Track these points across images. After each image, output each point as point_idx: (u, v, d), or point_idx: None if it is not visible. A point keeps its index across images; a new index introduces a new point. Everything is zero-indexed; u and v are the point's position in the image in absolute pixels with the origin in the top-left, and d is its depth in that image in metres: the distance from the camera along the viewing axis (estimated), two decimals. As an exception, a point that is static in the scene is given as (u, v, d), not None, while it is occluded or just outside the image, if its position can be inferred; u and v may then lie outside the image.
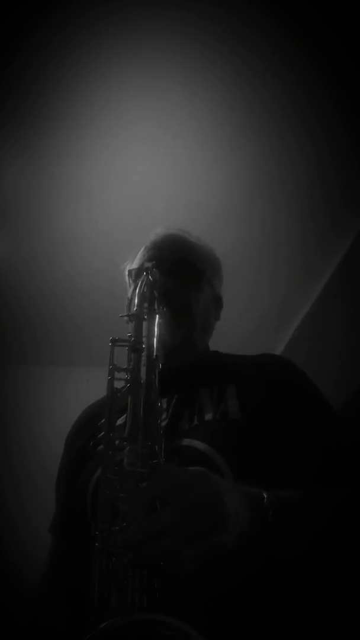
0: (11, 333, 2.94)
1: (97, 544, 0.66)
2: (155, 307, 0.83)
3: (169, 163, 2.09)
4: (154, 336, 0.80)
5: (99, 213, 2.28)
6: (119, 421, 0.90)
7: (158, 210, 2.23)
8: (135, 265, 1.07)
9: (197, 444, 0.81)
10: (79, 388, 2.93)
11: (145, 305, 0.83)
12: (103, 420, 0.99)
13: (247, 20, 1.62)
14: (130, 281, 1.07)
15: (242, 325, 2.65)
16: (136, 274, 1.02)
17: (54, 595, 0.91)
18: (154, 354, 0.78)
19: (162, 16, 1.62)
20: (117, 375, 0.80)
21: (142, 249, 1.08)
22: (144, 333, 0.80)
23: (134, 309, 0.82)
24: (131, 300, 0.97)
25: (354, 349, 2.27)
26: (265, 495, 0.67)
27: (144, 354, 0.77)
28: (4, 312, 2.80)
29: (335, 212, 2.22)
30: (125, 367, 0.78)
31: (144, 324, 0.81)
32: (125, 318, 1.08)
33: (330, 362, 2.37)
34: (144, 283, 0.85)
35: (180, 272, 0.97)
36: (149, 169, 2.10)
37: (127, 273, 1.10)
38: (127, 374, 0.77)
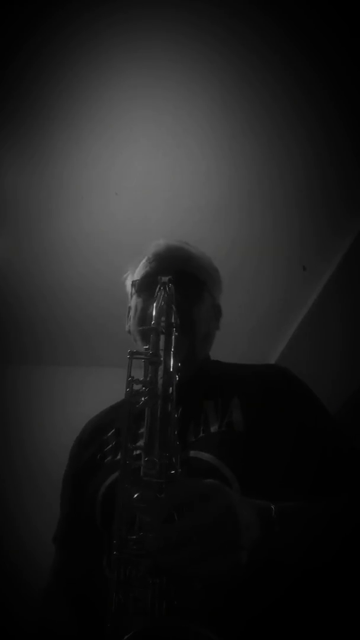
0: (12, 333, 2.94)
1: (114, 552, 0.68)
2: (173, 320, 0.85)
3: (168, 163, 2.09)
4: (171, 349, 0.81)
5: (99, 213, 2.28)
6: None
7: (158, 211, 2.23)
8: (137, 276, 1.10)
9: (204, 455, 0.83)
10: (79, 388, 2.94)
11: (163, 319, 0.85)
12: (111, 433, 1.01)
13: (247, 21, 1.62)
14: (133, 291, 1.09)
15: (242, 326, 2.66)
16: (141, 285, 1.06)
17: (59, 605, 0.93)
18: (171, 366, 0.79)
19: (162, 16, 1.62)
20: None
21: (144, 260, 1.10)
22: (161, 346, 0.82)
23: (152, 323, 0.84)
24: (139, 312, 1.02)
25: (354, 349, 2.26)
26: (273, 507, 0.69)
27: (161, 366, 0.79)
28: (4, 312, 2.81)
29: (335, 212, 2.23)
30: (142, 379, 0.80)
31: (162, 337, 0.83)
32: (126, 330, 1.12)
33: (330, 362, 2.37)
34: (161, 297, 0.87)
35: (183, 283, 0.99)
36: (148, 169, 2.10)
37: (130, 284, 1.12)
38: (144, 386, 0.78)
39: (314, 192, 2.16)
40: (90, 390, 2.61)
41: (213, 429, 0.89)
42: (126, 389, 0.81)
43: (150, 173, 2.12)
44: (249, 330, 2.76)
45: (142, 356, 0.82)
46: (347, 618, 0.79)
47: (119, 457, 0.92)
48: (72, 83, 1.81)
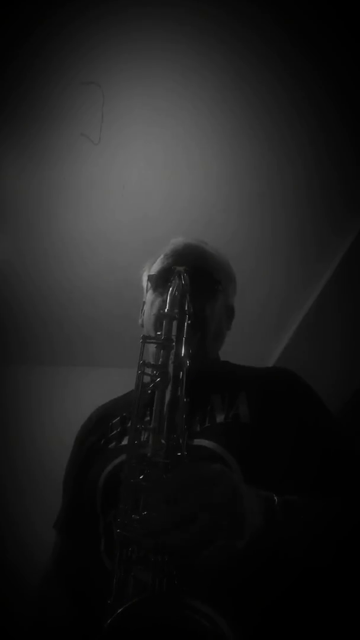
0: (12, 333, 2.94)
1: (118, 530, 0.69)
2: (186, 308, 0.87)
3: (168, 163, 2.09)
4: (183, 335, 0.83)
5: (98, 213, 2.28)
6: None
7: (158, 211, 2.23)
8: (153, 271, 1.12)
9: (207, 443, 0.85)
10: (78, 388, 2.94)
11: (176, 307, 0.87)
12: (116, 420, 1.02)
13: (247, 20, 1.62)
14: (149, 286, 1.12)
15: (241, 326, 2.66)
16: (157, 279, 1.08)
17: (58, 595, 0.93)
18: (182, 351, 0.81)
19: (162, 16, 1.62)
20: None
21: (162, 256, 1.13)
22: (173, 332, 0.84)
23: (166, 310, 0.87)
24: (156, 306, 1.05)
25: (353, 350, 2.27)
26: (276, 498, 0.70)
27: (172, 351, 0.81)
28: (4, 313, 2.81)
29: (335, 212, 2.23)
30: (153, 363, 0.83)
31: (174, 323, 0.85)
32: (139, 324, 1.13)
33: (330, 362, 2.38)
34: (176, 286, 0.89)
35: (197, 280, 1.00)
36: (147, 170, 2.10)
37: (146, 278, 1.14)
38: (154, 371, 0.80)
39: (314, 191, 2.16)
40: (88, 390, 2.62)
41: (219, 419, 0.91)
42: (137, 371, 0.83)
43: (150, 173, 2.12)
44: (248, 330, 2.76)
45: (155, 341, 0.84)
46: (348, 617, 0.80)
47: (123, 443, 0.95)
48: (72, 83, 1.81)
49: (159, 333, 0.84)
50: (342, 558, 0.77)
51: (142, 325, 1.13)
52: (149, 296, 1.11)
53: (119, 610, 0.59)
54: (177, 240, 1.14)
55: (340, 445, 0.90)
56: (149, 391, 0.79)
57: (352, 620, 0.79)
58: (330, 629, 0.79)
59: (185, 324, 0.85)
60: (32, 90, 1.83)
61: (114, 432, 1.00)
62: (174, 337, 0.82)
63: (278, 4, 1.57)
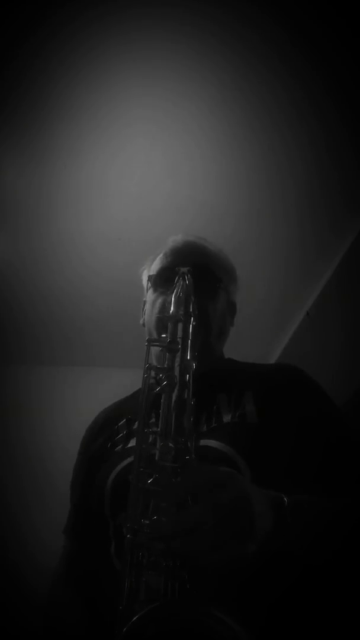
0: (12, 333, 2.94)
1: (128, 536, 0.69)
2: (191, 310, 0.86)
3: (168, 163, 2.09)
4: (188, 337, 0.82)
5: (98, 213, 2.28)
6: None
7: (157, 211, 2.23)
8: (153, 270, 1.11)
9: (215, 443, 0.85)
10: (78, 388, 2.95)
11: (181, 309, 0.86)
12: (122, 422, 1.02)
13: (247, 20, 1.62)
14: (149, 285, 1.11)
15: (241, 326, 2.66)
16: (157, 279, 1.08)
17: (69, 599, 0.93)
18: (188, 354, 0.80)
19: (161, 15, 1.62)
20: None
21: (161, 255, 1.11)
22: (179, 335, 0.83)
23: (171, 312, 0.85)
24: (157, 305, 1.03)
25: (353, 349, 2.26)
26: (286, 499, 0.70)
27: (178, 354, 0.80)
28: (4, 313, 2.81)
29: (335, 212, 2.22)
30: (159, 366, 0.82)
31: (179, 325, 0.83)
32: (141, 323, 1.12)
33: (330, 362, 2.37)
34: (180, 288, 0.88)
35: (199, 279, 0.99)
36: (147, 169, 2.10)
37: (146, 278, 1.13)
38: (161, 374, 0.80)
39: (314, 191, 2.16)
40: (88, 390, 2.62)
41: (226, 419, 0.90)
42: (143, 375, 0.82)
43: (149, 173, 2.12)
44: (248, 330, 2.76)
45: (160, 344, 0.83)
46: (353, 613, 0.80)
47: (129, 445, 0.94)
48: (72, 83, 1.81)
49: (163, 335, 0.83)
50: (349, 554, 0.77)
51: (144, 325, 1.13)
52: (149, 296, 1.10)
53: (135, 618, 0.58)
54: (176, 238, 1.13)
55: (347, 435, 0.90)
56: (158, 393, 0.78)
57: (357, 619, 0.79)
58: (337, 626, 0.79)
59: (190, 325, 0.84)
60: (32, 90, 1.83)
61: (120, 434, 1.00)
62: (179, 340, 0.81)
63: (278, 4, 1.57)
